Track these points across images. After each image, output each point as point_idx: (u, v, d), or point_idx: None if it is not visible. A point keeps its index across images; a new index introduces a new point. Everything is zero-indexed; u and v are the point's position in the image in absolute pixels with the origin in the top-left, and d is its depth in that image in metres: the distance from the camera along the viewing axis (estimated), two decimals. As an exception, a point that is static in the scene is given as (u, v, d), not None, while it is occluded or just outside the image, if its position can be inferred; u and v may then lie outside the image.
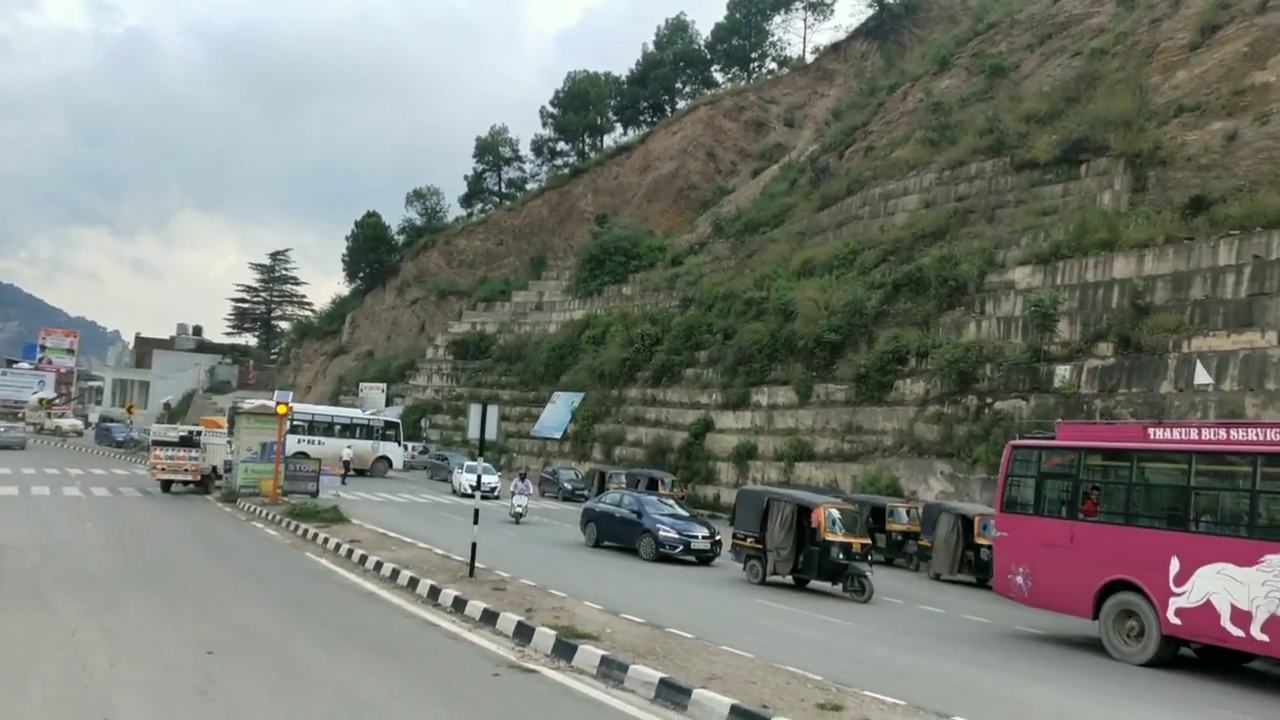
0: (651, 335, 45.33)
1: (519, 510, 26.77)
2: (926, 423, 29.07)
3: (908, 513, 24.65)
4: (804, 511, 18.29)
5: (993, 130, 38.13)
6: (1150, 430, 14.19)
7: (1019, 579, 14.91)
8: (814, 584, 18.65)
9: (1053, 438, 15.64)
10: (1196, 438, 13.37)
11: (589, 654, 10.42)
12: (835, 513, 18.13)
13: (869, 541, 18.95)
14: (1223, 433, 13.21)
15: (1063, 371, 26.07)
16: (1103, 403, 24.40)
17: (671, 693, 9.20)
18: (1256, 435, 12.79)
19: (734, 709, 8.53)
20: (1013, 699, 10.58)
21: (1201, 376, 22.63)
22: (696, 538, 21.64)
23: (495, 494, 33.23)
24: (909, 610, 17.23)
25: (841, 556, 17.61)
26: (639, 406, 43.62)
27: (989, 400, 27.58)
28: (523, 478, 28.44)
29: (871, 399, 31.73)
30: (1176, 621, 12.77)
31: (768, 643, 12.14)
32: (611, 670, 9.98)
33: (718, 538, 21.91)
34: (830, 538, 17.65)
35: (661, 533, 21.53)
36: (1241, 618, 11.97)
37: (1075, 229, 29.75)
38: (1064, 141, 34.06)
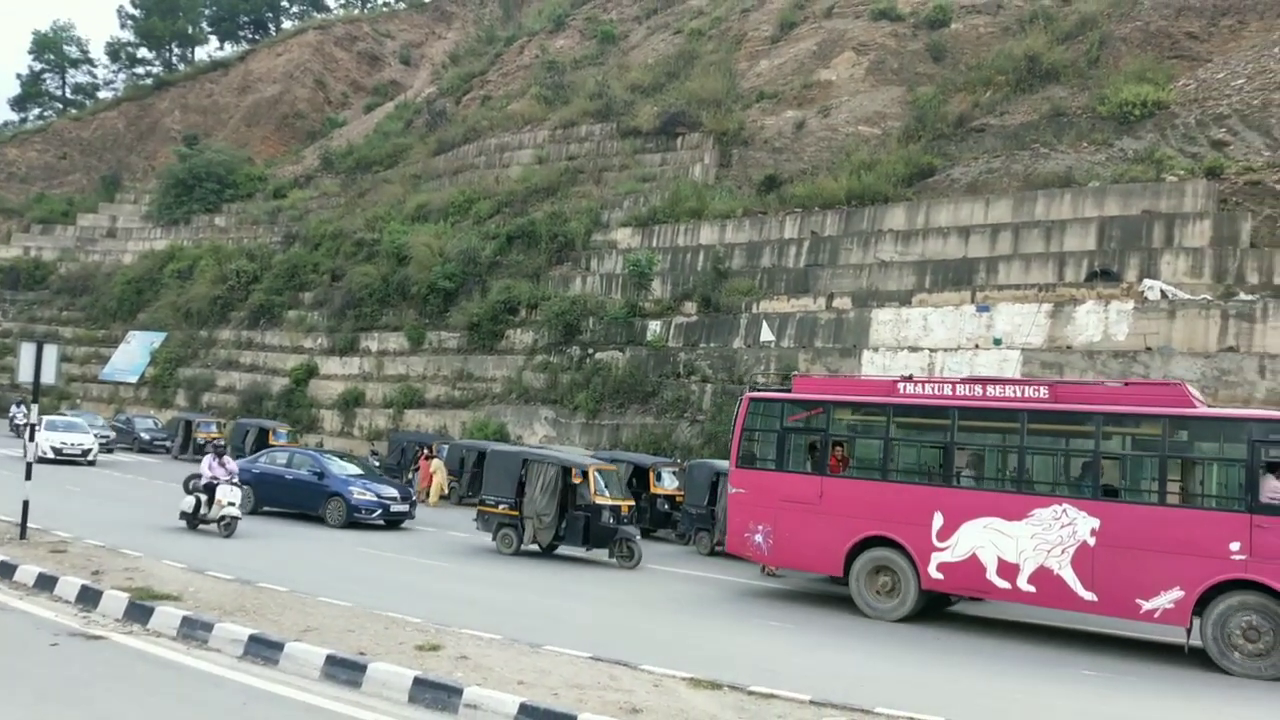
0: (249, 272, 42.07)
1: (233, 513, 16.30)
2: (534, 371, 30.17)
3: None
4: (569, 474, 16.93)
5: (602, 96, 40.01)
6: (900, 385, 13.93)
7: (758, 537, 14.15)
8: (563, 550, 17.43)
9: (789, 391, 15.19)
10: (952, 394, 13.31)
11: (168, 615, 9.59)
12: (603, 474, 17.02)
13: (635, 503, 17.84)
14: (979, 389, 13.20)
15: (654, 327, 28.36)
16: (686, 355, 26.93)
17: (262, 649, 8.77)
18: (1015, 392, 12.93)
19: (330, 659, 8.36)
20: (600, 625, 11.46)
21: (766, 334, 25.81)
22: (395, 499, 19.62)
23: (90, 458, 27.63)
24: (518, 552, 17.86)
25: (612, 521, 16.49)
26: (233, 349, 40.44)
27: (591, 351, 29.25)
28: (219, 454, 17.02)
29: (483, 347, 32.23)
30: (938, 576, 12.79)
31: (372, 592, 12.00)
32: (194, 630, 9.27)
33: (414, 499, 20.44)
34: (601, 501, 16.48)
35: (355, 496, 19.17)
36: (1009, 570, 12.23)
37: (670, 196, 32.40)
38: (664, 114, 36.67)
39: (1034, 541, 12.08)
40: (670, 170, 35.17)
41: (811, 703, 8.09)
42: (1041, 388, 12.91)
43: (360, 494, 19.32)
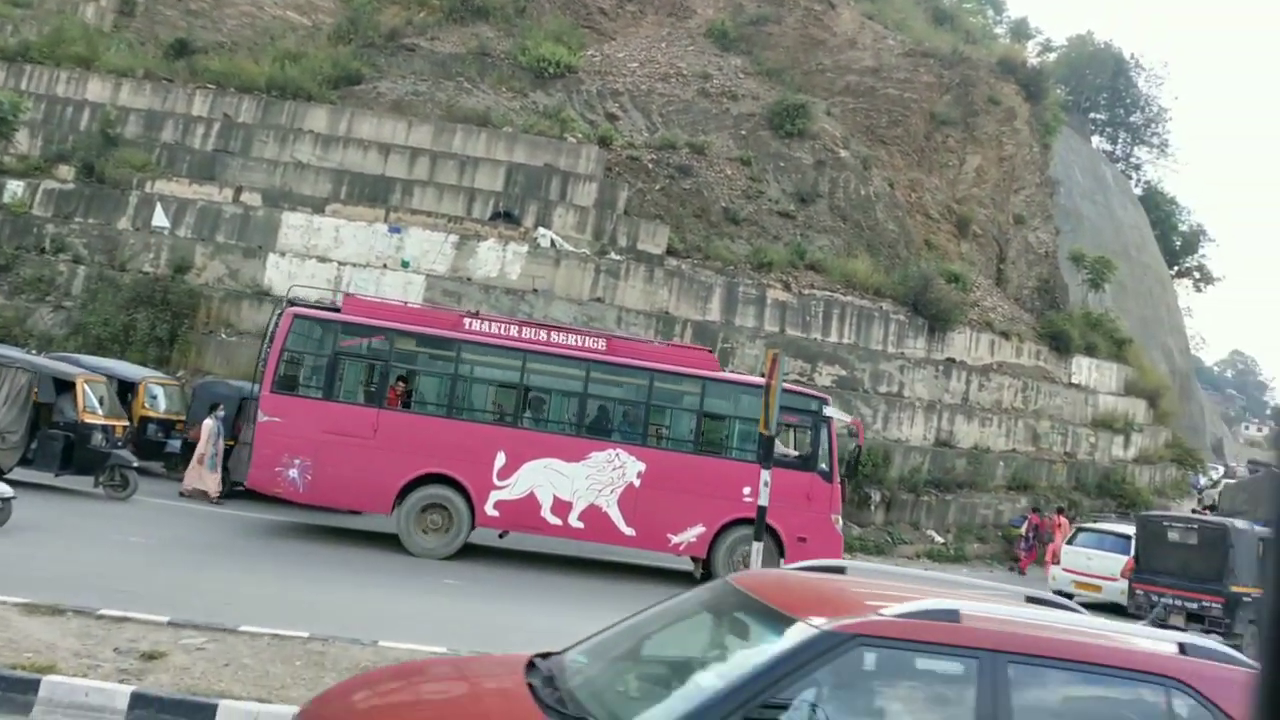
0: None
1: (5, 492, 10.65)
2: None
3: None
4: (51, 384, 13.85)
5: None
6: (466, 320, 13.82)
7: (292, 472, 13.00)
8: (19, 475, 13.25)
9: (338, 310, 13.91)
10: (517, 335, 13.58)
11: None
12: (93, 387, 14.26)
13: (129, 424, 15.17)
14: (543, 334, 13.74)
15: (15, 187, 23.73)
16: (56, 229, 23.11)
17: None
18: (577, 341, 13.71)
19: None
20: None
21: (160, 219, 23.24)
22: None
23: None
24: None
25: (105, 444, 14.01)
26: None
27: (-84, 203, 23.48)
28: None
29: None
30: (494, 514, 13.14)
31: None
32: None
33: None
34: (91, 420, 13.86)
35: None
36: (562, 508, 13.06)
37: (51, 34, 27.18)
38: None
39: (588, 482, 13.17)
40: (54, 3, 29.46)
41: (170, 624, 7.70)
42: (600, 340, 14.07)
43: None
